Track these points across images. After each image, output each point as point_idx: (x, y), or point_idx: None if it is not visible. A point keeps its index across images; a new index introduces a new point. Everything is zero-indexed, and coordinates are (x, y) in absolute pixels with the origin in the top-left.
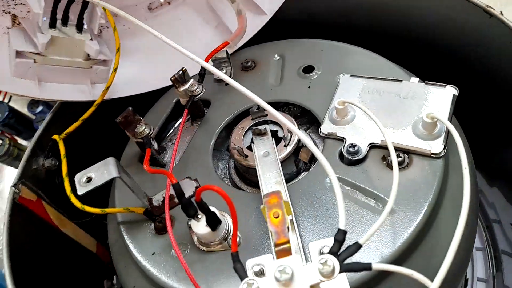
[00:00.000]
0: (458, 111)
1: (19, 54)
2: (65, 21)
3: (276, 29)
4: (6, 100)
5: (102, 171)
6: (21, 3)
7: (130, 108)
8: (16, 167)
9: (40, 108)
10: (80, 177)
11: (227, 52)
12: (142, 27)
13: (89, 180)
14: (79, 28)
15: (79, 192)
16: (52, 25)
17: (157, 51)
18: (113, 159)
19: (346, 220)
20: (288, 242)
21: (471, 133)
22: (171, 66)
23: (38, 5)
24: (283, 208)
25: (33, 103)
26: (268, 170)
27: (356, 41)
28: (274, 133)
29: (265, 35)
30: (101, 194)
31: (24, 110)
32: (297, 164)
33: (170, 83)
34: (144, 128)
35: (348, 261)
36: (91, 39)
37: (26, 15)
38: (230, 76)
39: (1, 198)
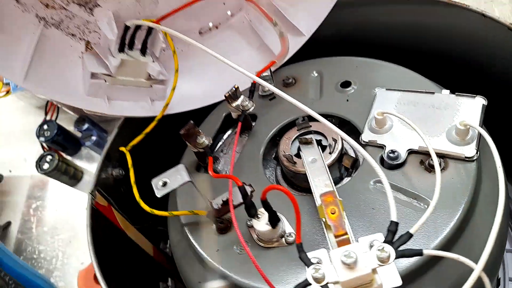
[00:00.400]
0: (486, 122)
1: (93, 75)
2: (131, 46)
3: (309, 48)
4: (53, 118)
5: (175, 176)
6: (94, 31)
7: (191, 121)
8: (63, 182)
9: (86, 126)
10: (156, 182)
11: (270, 70)
12: (195, 48)
13: (164, 184)
14: (143, 51)
15: (158, 195)
16: (121, 49)
17: (206, 71)
18: (183, 165)
19: (396, 213)
20: (346, 233)
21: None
22: (218, 84)
23: (111, 33)
24: (339, 205)
25: (79, 121)
26: (317, 175)
27: (385, 56)
28: (318, 142)
29: (298, 53)
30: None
31: (69, 127)
32: (339, 169)
33: (218, 99)
34: (204, 139)
35: (401, 248)
36: (153, 61)
37: (97, 41)
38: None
39: (44, 210)
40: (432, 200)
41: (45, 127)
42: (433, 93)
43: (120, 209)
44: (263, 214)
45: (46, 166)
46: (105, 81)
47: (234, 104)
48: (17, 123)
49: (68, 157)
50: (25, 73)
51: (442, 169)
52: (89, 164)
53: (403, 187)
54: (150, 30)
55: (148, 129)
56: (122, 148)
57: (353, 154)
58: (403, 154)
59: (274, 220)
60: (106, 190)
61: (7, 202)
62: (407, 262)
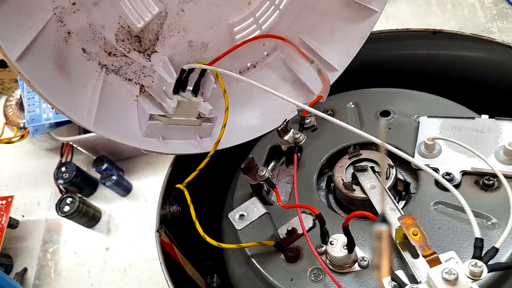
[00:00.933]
0: None
1: (150, 117)
2: (184, 88)
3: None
4: (68, 159)
5: (252, 209)
6: (148, 75)
7: (251, 156)
8: (82, 224)
9: (105, 166)
10: (233, 215)
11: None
12: (238, 86)
13: (241, 217)
14: (195, 92)
15: (239, 228)
16: (176, 91)
17: (249, 106)
18: (257, 198)
19: (479, 230)
20: (434, 252)
21: None
22: (260, 118)
23: (170, 77)
24: (419, 226)
25: (98, 162)
26: (380, 200)
27: (413, 87)
28: (371, 169)
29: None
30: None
31: (84, 168)
32: (394, 194)
33: (261, 133)
34: (265, 172)
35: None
36: (204, 101)
37: (151, 84)
38: (315, 125)
39: (61, 253)
40: (510, 219)
41: (63, 169)
42: (473, 118)
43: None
44: (337, 240)
45: (67, 208)
46: (161, 121)
47: (285, 137)
48: (29, 166)
49: (85, 198)
50: (93, 117)
51: (497, 188)
52: (106, 204)
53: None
54: (202, 72)
55: (202, 165)
56: (180, 186)
57: (403, 178)
58: (457, 176)
59: (351, 246)
60: (165, 227)
61: (22, 248)
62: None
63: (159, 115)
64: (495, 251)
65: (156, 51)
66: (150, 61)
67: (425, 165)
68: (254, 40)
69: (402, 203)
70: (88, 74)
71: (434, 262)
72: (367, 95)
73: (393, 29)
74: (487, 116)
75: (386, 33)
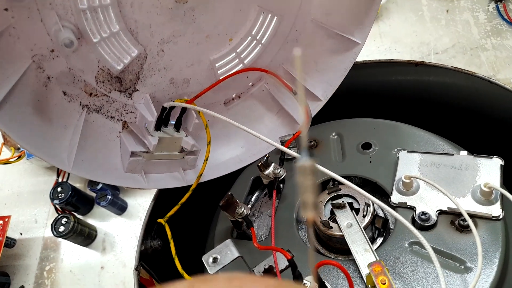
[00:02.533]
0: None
1: (132, 153)
2: (166, 124)
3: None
4: (65, 179)
5: (225, 252)
6: (131, 112)
7: (230, 192)
8: (78, 243)
9: (100, 186)
10: (207, 259)
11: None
12: (219, 120)
13: (214, 260)
14: (177, 127)
15: (211, 272)
16: (158, 128)
17: (232, 138)
18: (231, 240)
19: (444, 282)
20: None
21: None
22: (244, 149)
23: (151, 115)
24: (387, 274)
25: (93, 182)
26: (355, 239)
27: (394, 115)
28: (350, 205)
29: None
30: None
31: (81, 185)
32: (371, 230)
33: (244, 164)
34: (243, 210)
35: None
36: (186, 136)
37: (134, 120)
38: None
39: (58, 272)
40: (478, 262)
41: (59, 189)
42: (452, 154)
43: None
44: (310, 282)
45: (62, 228)
46: (143, 157)
47: (266, 172)
48: (28, 184)
49: (81, 217)
50: (72, 160)
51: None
52: (102, 223)
53: (438, 247)
54: (183, 108)
55: (183, 199)
56: (161, 220)
57: (382, 215)
58: (433, 215)
59: None
60: (146, 262)
61: (19, 266)
62: None
63: (141, 151)
64: None
65: (137, 90)
66: (131, 99)
67: (402, 203)
68: (237, 74)
69: (380, 239)
70: (69, 115)
71: None
72: (350, 125)
73: (376, 60)
74: (465, 152)
75: (369, 63)
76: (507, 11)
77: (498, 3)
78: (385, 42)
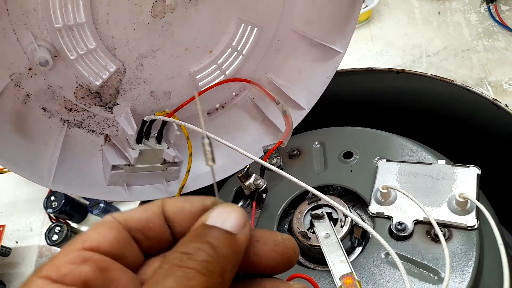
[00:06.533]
0: (483, 179)
1: (113, 167)
2: (147, 136)
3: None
4: None
5: None
6: (113, 125)
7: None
8: None
9: None
10: None
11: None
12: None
13: None
14: (159, 140)
15: None
16: (139, 141)
17: (214, 148)
18: None
19: None
20: None
21: (494, 195)
22: (227, 159)
23: (131, 129)
24: (358, 287)
25: None
26: (332, 250)
27: (377, 122)
28: (329, 215)
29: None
30: None
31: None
32: (350, 239)
33: (228, 174)
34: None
35: None
36: (168, 147)
37: (115, 133)
38: (280, 165)
39: None
40: (446, 274)
41: (52, 198)
42: (430, 163)
43: None
44: None
45: (55, 237)
46: (125, 170)
47: (246, 183)
48: (23, 193)
49: (75, 225)
50: (52, 175)
51: (447, 239)
52: None
53: (413, 258)
54: (164, 122)
55: None
56: None
57: (361, 224)
58: (410, 225)
59: None
60: None
61: (14, 274)
62: None
63: (123, 164)
64: None
65: (117, 104)
66: (112, 113)
67: (380, 213)
68: (219, 85)
69: (359, 249)
70: (49, 130)
71: None
72: (332, 134)
73: (358, 68)
74: (444, 161)
75: (351, 71)
76: (498, 12)
77: (490, 4)
78: (377, 45)
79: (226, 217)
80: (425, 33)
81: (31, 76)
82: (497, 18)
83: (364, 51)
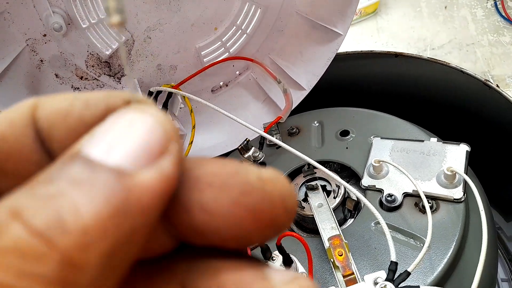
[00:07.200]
0: (475, 160)
1: None
2: None
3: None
4: None
5: None
6: None
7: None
8: None
9: None
10: None
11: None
12: (207, 106)
13: None
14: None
15: None
16: None
17: (217, 124)
18: None
19: (395, 254)
20: (353, 273)
21: (486, 176)
22: (229, 135)
23: None
24: (345, 247)
25: None
26: (324, 218)
27: (377, 104)
28: (323, 187)
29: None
30: None
31: None
32: (343, 211)
33: (230, 149)
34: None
35: (400, 285)
36: (172, 120)
37: None
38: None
39: None
40: (426, 240)
41: None
42: (422, 141)
43: None
44: (278, 257)
45: None
46: None
47: (246, 155)
48: None
49: None
50: None
51: (434, 210)
52: None
53: (400, 227)
54: (170, 93)
55: None
56: None
57: (355, 198)
58: (399, 197)
59: (288, 262)
60: None
61: None
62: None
63: None
64: (406, 274)
65: (125, 74)
66: (120, 83)
67: (371, 185)
68: (223, 62)
69: (351, 221)
70: None
71: (351, 282)
72: (331, 114)
73: (358, 50)
74: (435, 139)
75: (352, 54)
76: (505, 8)
77: (497, 0)
78: (383, 37)
79: (125, 132)
80: (430, 27)
81: (45, 42)
82: (504, 14)
83: (369, 43)
